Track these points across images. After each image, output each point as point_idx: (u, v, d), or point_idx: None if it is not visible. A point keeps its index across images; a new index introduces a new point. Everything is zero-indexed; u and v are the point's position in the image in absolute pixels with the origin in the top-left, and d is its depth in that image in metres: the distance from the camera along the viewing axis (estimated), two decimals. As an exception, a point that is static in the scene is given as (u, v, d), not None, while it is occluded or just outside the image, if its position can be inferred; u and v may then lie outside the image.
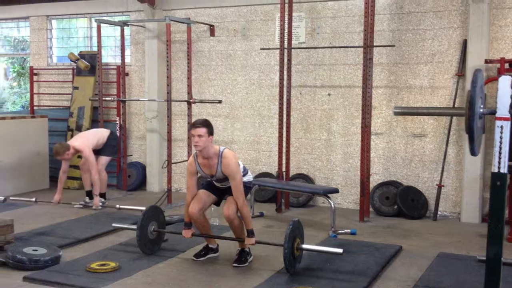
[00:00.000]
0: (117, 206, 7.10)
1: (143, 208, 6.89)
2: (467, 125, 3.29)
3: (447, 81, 7.23)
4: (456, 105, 7.07)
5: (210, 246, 5.37)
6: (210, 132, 4.91)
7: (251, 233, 5.00)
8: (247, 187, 5.20)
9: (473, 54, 6.89)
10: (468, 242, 6.05)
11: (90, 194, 7.69)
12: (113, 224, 6.02)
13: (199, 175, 5.19)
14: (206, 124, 4.92)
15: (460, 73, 7.07)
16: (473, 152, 3.41)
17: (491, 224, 3.40)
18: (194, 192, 5.14)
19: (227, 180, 5.02)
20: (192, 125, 4.96)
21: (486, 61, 6.82)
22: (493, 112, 3.36)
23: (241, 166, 5.12)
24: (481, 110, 3.37)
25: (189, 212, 5.12)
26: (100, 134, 7.68)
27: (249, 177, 5.25)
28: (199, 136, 4.84)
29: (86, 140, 7.46)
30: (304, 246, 5.00)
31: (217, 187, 5.25)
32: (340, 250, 4.94)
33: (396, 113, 4.11)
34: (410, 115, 7.31)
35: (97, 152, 7.59)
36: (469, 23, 6.94)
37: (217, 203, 5.41)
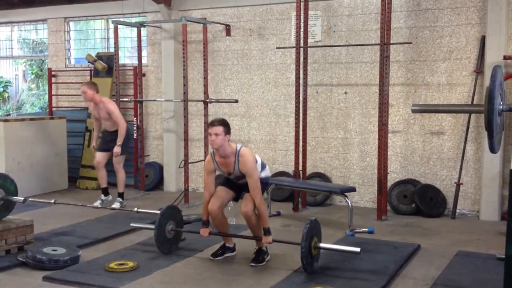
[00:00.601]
0: (136, 209, 7.12)
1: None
2: (486, 122, 3.25)
3: (465, 78, 7.16)
4: (474, 102, 7.00)
5: (227, 245, 5.38)
6: (227, 131, 4.94)
7: (267, 232, 5.00)
8: (264, 183, 5.19)
9: (492, 50, 6.82)
10: (487, 240, 5.99)
11: (106, 191, 7.73)
12: (131, 224, 6.06)
13: (217, 173, 5.21)
14: (223, 123, 4.96)
15: (479, 70, 7.00)
16: (493, 149, 3.37)
17: (510, 222, 3.36)
18: (211, 190, 5.16)
19: (245, 177, 5.03)
20: (210, 124, 5.00)
21: (505, 57, 6.74)
22: (512, 109, 3.33)
23: (259, 162, 5.13)
24: (501, 107, 3.34)
25: (209, 209, 5.14)
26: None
27: (266, 173, 5.24)
28: (216, 134, 4.88)
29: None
30: (322, 245, 4.99)
31: (235, 182, 5.25)
32: (357, 249, 4.91)
33: (414, 111, 4.08)
34: (429, 113, 7.25)
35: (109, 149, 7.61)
36: (487, 19, 6.87)
37: (236, 199, 5.40)
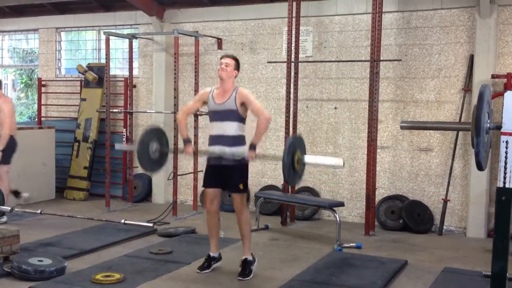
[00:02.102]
0: (123, 221, 7.08)
1: (149, 224, 6.95)
2: (473, 139, 3.29)
3: (454, 95, 7.24)
4: (462, 120, 7.07)
5: (212, 255, 5.31)
6: (237, 66, 5.14)
7: (253, 147, 4.97)
8: (244, 166, 5.12)
9: (480, 69, 6.90)
10: (474, 257, 6.02)
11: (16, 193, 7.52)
12: (116, 146, 6.05)
13: (201, 109, 5.23)
14: (235, 58, 5.18)
15: (467, 88, 7.08)
16: (480, 167, 3.41)
17: (497, 239, 3.39)
18: (189, 112, 5.40)
19: (229, 117, 5.01)
20: (223, 55, 5.20)
21: (493, 76, 6.83)
22: (499, 127, 3.38)
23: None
24: (488, 125, 3.38)
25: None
26: None
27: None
28: (227, 64, 5.06)
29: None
30: (306, 158, 4.88)
31: (218, 169, 5.11)
32: (340, 162, 4.85)
33: (403, 127, 4.13)
34: (417, 130, 7.31)
35: None
36: (476, 38, 6.96)
37: (223, 188, 5.29)
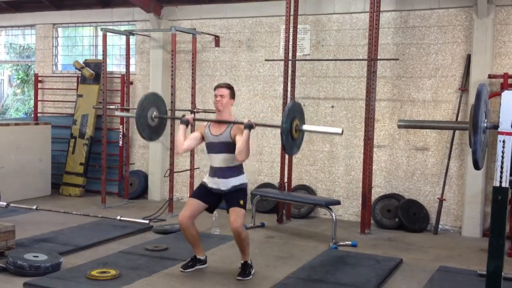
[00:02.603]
0: (119, 217, 7.09)
1: (145, 221, 6.95)
2: (470, 139, 3.30)
3: (450, 95, 7.25)
4: (458, 120, 7.09)
5: (198, 257, 5.27)
6: (232, 95, 5.09)
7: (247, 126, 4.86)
8: (244, 189, 5.10)
9: (477, 68, 6.92)
10: (469, 256, 6.04)
11: None
12: (116, 113, 5.96)
13: (196, 141, 5.14)
14: (229, 86, 5.11)
15: (464, 88, 7.09)
16: (477, 166, 3.41)
17: (492, 239, 3.40)
18: (183, 141, 5.07)
19: (225, 149, 4.94)
20: (216, 86, 5.12)
21: (490, 76, 6.85)
22: (496, 127, 3.38)
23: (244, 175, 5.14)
24: (485, 125, 3.39)
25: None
26: None
27: (246, 179, 5.18)
28: (222, 96, 5.02)
29: None
30: (304, 126, 4.84)
31: (212, 193, 5.09)
32: (339, 130, 4.79)
33: (400, 126, 4.12)
34: (414, 128, 7.32)
35: None
36: (473, 38, 6.98)
37: (210, 210, 5.25)
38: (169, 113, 8.01)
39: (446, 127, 6.98)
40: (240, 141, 4.81)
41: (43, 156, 9.01)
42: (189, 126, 5.23)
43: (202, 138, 5.14)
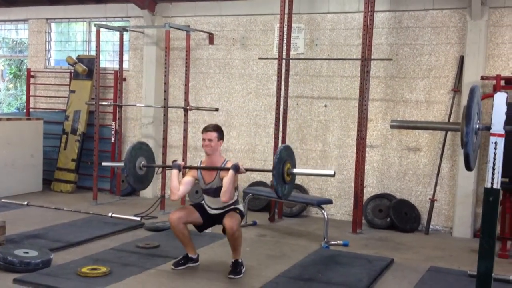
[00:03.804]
0: (110, 214, 7.07)
1: (136, 218, 6.94)
2: (462, 140, 3.31)
3: (443, 96, 7.28)
4: (451, 120, 7.11)
5: (190, 255, 5.27)
6: (220, 137, 5.06)
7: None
8: (241, 210, 5.18)
9: (470, 70, 6.95)
10: (460, 257, 6.06)
11: None
12: (103, 163, 6.01)
13: (189, 186, 5.16)
14: (217, 129, 5.06)
15: (456, 89, 7.12)
16: (469, 167, 3.42)
17: (483, 240, 3.41)
18: (178, 186, 5.06)
19: (219, 194, 4.93)
20: (204, 129, 5.07)
21: (482, 78, 6.87)
22: (488, 128, 3.39)
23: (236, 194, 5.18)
24: (477, 126, 3.39)
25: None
26: None
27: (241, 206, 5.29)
28: (209, 140, 4.99)
29: None
30: (295, 170, 4.81)
31: (209, 213, 5.19)
32: (331, 172, 4.76)
33: (392, 127, 4.12)
34: (407, 129, 7.34)
35: None
36: (466, 40, 7.00)
37: (200, 228, 5.29)
38: (162, 110, 8.02)
39: (439, 128, 7.00)
40: (225, 182, 4.84)
41: (34, 151, 8.96)
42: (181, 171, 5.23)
43: (195, 179, 5.17)
